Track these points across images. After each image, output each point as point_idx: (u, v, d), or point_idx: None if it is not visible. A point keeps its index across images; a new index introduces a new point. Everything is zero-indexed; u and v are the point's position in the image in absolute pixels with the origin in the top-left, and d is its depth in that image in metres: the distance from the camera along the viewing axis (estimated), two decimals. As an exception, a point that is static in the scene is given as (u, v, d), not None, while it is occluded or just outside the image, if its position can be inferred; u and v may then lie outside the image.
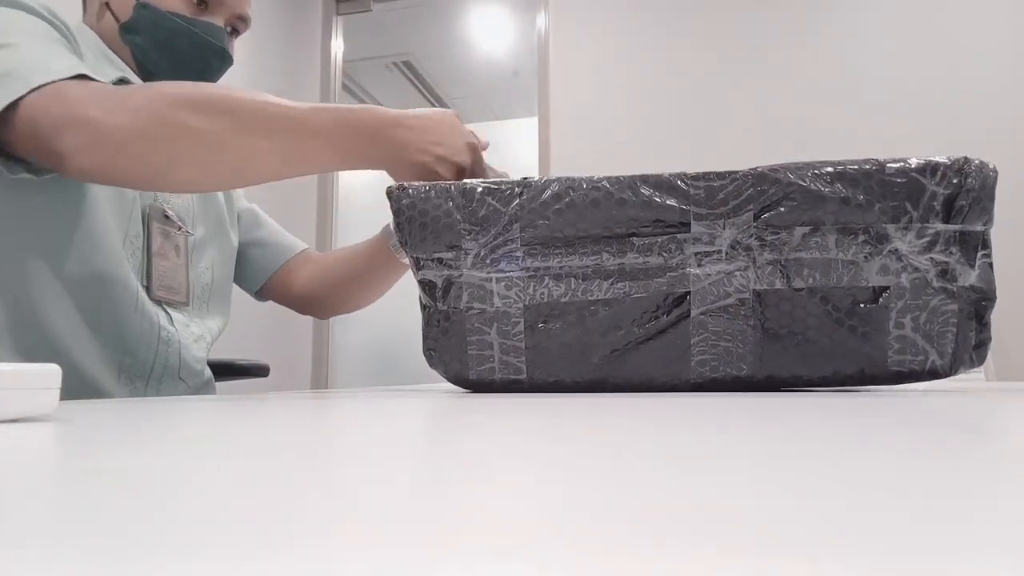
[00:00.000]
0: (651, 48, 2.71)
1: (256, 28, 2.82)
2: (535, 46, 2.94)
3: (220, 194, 0.91)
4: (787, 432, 0.23)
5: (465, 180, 0.62)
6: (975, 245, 0.57)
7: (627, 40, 2.74)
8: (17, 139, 0.60)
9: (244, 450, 0.20)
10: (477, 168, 0.70)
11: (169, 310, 0.80)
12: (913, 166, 0.56)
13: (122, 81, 0.76)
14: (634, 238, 0.57)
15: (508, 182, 0.61)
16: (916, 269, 0.55)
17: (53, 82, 0.59)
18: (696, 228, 0.57)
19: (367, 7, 3.17)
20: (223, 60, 0.83)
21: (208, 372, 0.88)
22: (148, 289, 0.77)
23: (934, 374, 0.56)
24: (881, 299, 0.55)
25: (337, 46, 3.17)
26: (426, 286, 0.62)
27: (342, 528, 0.10)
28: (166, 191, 0.64)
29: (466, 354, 0.60)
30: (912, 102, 2.44)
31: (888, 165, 0.56)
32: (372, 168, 0.67)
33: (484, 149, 0.74)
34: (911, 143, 2.42)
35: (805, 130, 2.52)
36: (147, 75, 0.81)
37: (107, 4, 0.80)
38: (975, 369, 0.59)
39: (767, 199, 0.57)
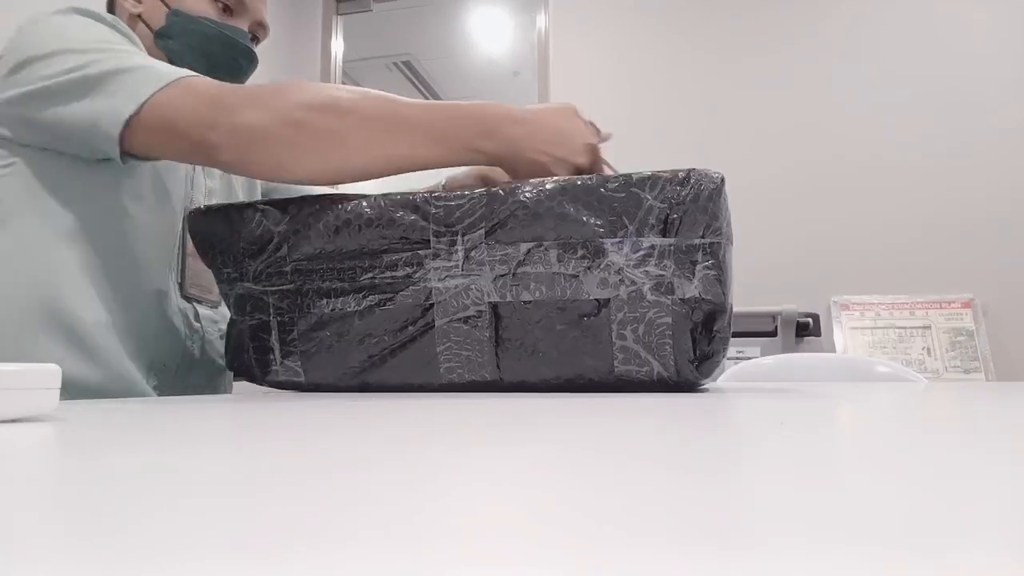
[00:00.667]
0: (651, 48, 2.71)
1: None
2: (535, 46, 2.93)
3: (236, 186, 0.93)
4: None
5: (243, 202, 0.69)
6: (694, 258, 0.57)
7: (627, 40, 2.74)
8: (143, 137, 0.64)
9: (244, 450, 0.20)
10: (595, 167, 0.70)
11: (199, 308, 0.82)
12: (634, 180, 0.59)
13: None
14: (384, 254, 0.63)
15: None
16: (632, 282, 0.57)
17: (180, 80, 0.64)
18: (436, 244, 0.61)
19: (367, 7, 3.17)
20: (251, 61, 0.88)
21: (229, 375, 0.90)
22: (181, 286, 0.80)
23: (663, 383, 0.58)
24: (602, 311, 0.58)
25: (337, 46, 3.17)
26: (224, 298, 0.70)
27: (341, 528, 0.10)
28: (288, 182, 0.67)
29: (252, 359, 0.67)
30: (913, 102, 2.44)
31: (609, 181, 0.59)
32: (490, 163, 0.69)
33: (605, 141, 0.74)
34: (912, 143, 2.42)
35: (805, 130, 2.51)
36: None
37: (139, 16, 0.84)
38: (708, 380, 0.60)
39: (496, 216, 0.60)
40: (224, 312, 0.88)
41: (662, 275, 0.57)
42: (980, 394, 0.53)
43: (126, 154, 0.66)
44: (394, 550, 0.09)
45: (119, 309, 0.72)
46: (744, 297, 2.38)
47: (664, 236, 0.57)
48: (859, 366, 1.38)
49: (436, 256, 0.61)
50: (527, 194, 0.60)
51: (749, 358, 1.69)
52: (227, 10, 0.86)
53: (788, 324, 2.21)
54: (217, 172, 0.89)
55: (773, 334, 2.23)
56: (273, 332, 0.66)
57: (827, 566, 0.08)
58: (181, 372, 0.79)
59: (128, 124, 0.63)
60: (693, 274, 0.57)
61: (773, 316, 2.24)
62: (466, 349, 0.61)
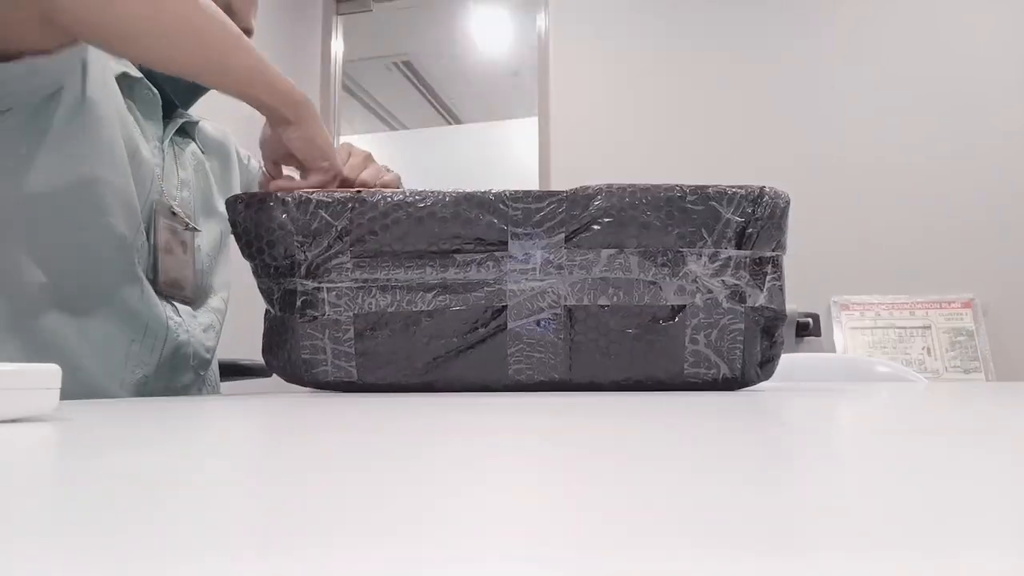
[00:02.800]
0: (651, 48, 2.71)
1: (256, 28, 2.82)
2: (535, 46, 2.93)
3: (211, 174, 0.90)
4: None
5: (302, 192, 0.66)
6: (765, 270, 0.62)
7: (627, 40, 2.74)
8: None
9: (243, 450, 0.20)
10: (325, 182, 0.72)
11: (176, 304, 0.80)
12: (711, 193, 0.61)
13: (120, 77, 0.76)
14: (457, 254, 0.62)
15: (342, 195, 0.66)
16: (709, 291, 0.60)
17: None
18: (513, 247, 0.62)
19: (367, 7, 3.17)
20: None
21: (215, 366, 0.88)
22: (154, 283, 0.77)
23: (727, 384, 0.61)
24: (678, 317, 0.60)
25: (337, 46, 3.17)
26: (264, 293, 0.67)
27: (341, 529, 0.10)
28: (85, 37, 0.63)
29: (300, 358, 0.64)
30: (915, 103, 2.44)
31: (688, 192, 0.61)
32: (264, 111, 0.71)
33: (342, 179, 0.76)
34: (913, 144, 2.42)
35: (806, 130, 2.51)
36: (147, 73, 0.81)
37: None
38: (764, 381, 0.65)
39: (577, 222, 0.61)
40: (209, 306, 0.86)
41: (736, 284, 0.61)
42: (980, 394, 0.53)
43: None
44: (425, 545, 0.09)
45: (84, 310, 0.70)
46: (744, 297, 2.38)
47: (739, 248, 0.61)
48: (859, 366, 1.38)
49: (513, 259, 0.61)
50: (609, 202, 0.61)
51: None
52: None
53: (788, 324, 2.21)
54: (189, 162, 0.86)
55: (773, 334, 2.23)
56: (327, 331, 0.63)
57: (827, 566, 0.08)
58: (163, 370, 0.77)
59: None
60: (763, 284, 0.61)
61: (773, 316, 2.23)
62: (538, 351, 0.61)
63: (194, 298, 0.83)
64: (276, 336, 0.66)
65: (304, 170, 0.73)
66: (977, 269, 2.30)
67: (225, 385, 0.96)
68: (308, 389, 0.68)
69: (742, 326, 0.60)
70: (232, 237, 0.94)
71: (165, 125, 0.84)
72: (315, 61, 3.12)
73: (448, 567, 0.08)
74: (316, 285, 0.63)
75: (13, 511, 0.11)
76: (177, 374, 0.80)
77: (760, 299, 0.61)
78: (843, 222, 2.43)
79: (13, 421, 0.29)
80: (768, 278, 0.62)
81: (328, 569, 0.08)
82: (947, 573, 0.08)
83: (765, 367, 0.63)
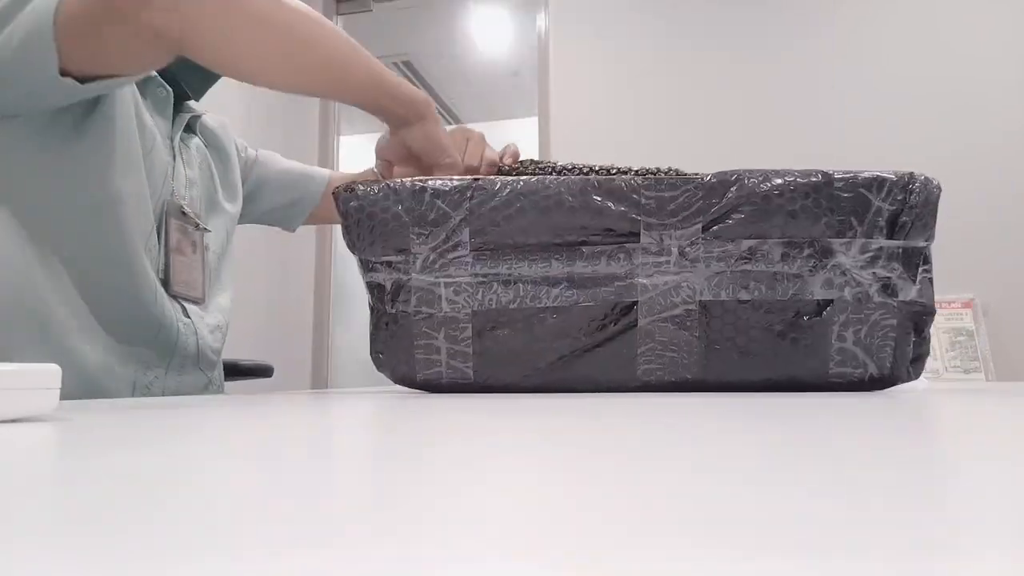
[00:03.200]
0: (651, 48, 2.71)
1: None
2: (535, 46, 2.93)
3: (214, 170, 0.90)
4: (783, 432, 0.23)
5: (416, 180, 0.61)
6: (917, 261, 0.58)
7: (627, 40, 2.74)
8: (69, 36, 0.58)
9: (243, 450, 0.20)
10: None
11: (186, 305, 0.80)
12: (860, 180, 0.58)
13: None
14: (584, 246, 0.57)
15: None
16: (859, 283, 0.56)
17: None
18: (645, 238, 0.57)
19: (367, 7, 3.17)
20: None
21: (220, 366, 0.88)
22: (166, 284, 0.77)
23: (872, 384, 0.57)
24: (824, 312, 0.56)
25: (337, 46, 3.17)
26: (374, 289, 0.61)
27: (341, 529, 0.10)
28: (194, 57, 0.64)
29: (413, 357, 0.59)
30: (915, 103, 2.44)
31: (836, 179, 0.58)
32: (392, 122, 0.73)
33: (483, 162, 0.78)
34: (913, 145, 2.41)
35: (806, 130, 2.51)
36: (161, 70, 0.80)
37: None
38: (914, 381, 0.61)
39: (716, 211, 0.57)
40: (216, 305, 0.85)
41: (888, 277, 0.56)
42: (981, 394, 0.53)
43: (68, 75, 0.60)
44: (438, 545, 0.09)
45: (95, 310, 0.69)
46: (744, 297, 2.38)
47: (891, 238, 0.56)
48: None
49: (646, 251, 0.57)
50: (752, 190, 0.57)
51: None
52: None
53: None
54: (195, 159, 0.85)
55: (773, 334, 2.23)
56: (443, 329, 0.59)
57: (827, 566, 0.08)
58: (172, 372, 0.77)
59: (58, 15, 0.57)
60: (915, 277, 0.57)
61: (773, 316, 2.23)
62: (671, 350, 0.57)
63: (203, 298, 0.83)
64: (386, 334, 0.61)
65: (423, 169, 0.74)
66: (977, 269, 2.30)
67: (226, 385, 0.96)
68: (311, 389, 0.68)
69: (894, 321, 0.56)
70: (235, 234, 0.94)
71: (174, 121, 0.83)
72: (315, 61, 3.12)
73: (448, 567, 0.08)
74: (433, 279, 0.58)
75: (13, 511, 0.11)
76: (185, 375, 0.79)
77: (912, 292, 0.57)
78: (843, 222, 2.43)
79: (13, 421, 0.29)
80: (920, 270, 0.57)
81: (328, 569, 0.08)
82: (947, 573, 0.08)
83: (915, 364, 0.58)
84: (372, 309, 0.62)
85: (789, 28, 2.59)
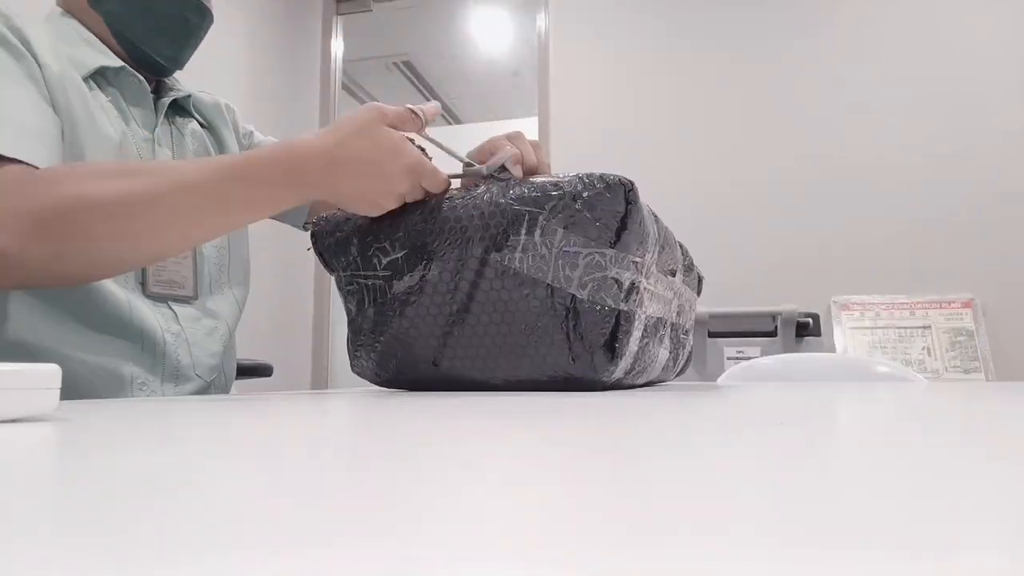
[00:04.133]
0: (651, 48, 2.71)
1: (256, 28, 2.82)
2: (535, 46, 2.93)
3: (212, 150, 0.86)
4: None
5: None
6: None
7: (627, 40, 2.74)
8: None
9: (243, 450, 0.20)
10: (430, 181, 0.62)
11: (174, 307, 0.76)
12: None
13: (99, 72, 0.72)
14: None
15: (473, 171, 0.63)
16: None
17: None
18: None
19: (367, 7, 3.17)
20: (203, 16, 0.79)
21: (230, 365, 0.84)
22: (144, 285, 0.73)
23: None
24: None
25: (337, 46, 3.17)
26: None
27: (341, 528, 0.10)
28: (80, 279, 0.61)
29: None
30: (915, 103, 2.44)
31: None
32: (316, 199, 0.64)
33: (429, 121, 0.66)
34: (913, 144, 2.42)
35: (806, 130, 2.51)
36: (127, 44, 0.77)
37: None
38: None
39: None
40: (217, 305, 0.81)
41: None
42: (981, 394, 0.53)
43: None
44: (423, 546, 0.09)
45: (72, 328, 0.67)
46: (744, 297, 2.38)
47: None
48: (859, 366, 1.38)
49: None
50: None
51: (749, 358, 1.69)
52: None
53: (788, 324, 2.21)
54: (190, 144, 0.82)
55: (773, 334, 2.23)
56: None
57: (827, 566, 0.08)
58: (168, 388, 0.74)
59: None
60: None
61: (773, 316, 2.24)
62: None
63: (195, 295, 0.78)
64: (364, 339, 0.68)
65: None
66: (977, 269, 2.30)
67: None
68: (311, 389, 0.68)
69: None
70: (249, 227, 0.90)
71: (157, 108, 0.79)
72: (315, 61, 3.12)
73: (448, 567, 0.08)
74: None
75: (13, 511, 0.11)
76: (182, 384, 0.76)
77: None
78: (843, 222, 2.43)
79: (13, 421, 0.29)
80: None
81: (328, 569, 0.08)
82: (947, 573, 0.08)
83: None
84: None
85: (789, 28, 2.59)
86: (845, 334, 2.28)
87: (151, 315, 0.73)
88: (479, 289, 0.59)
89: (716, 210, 2.53)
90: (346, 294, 0.67)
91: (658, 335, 0.67)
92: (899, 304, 2.29)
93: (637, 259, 0.59)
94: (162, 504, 0.12)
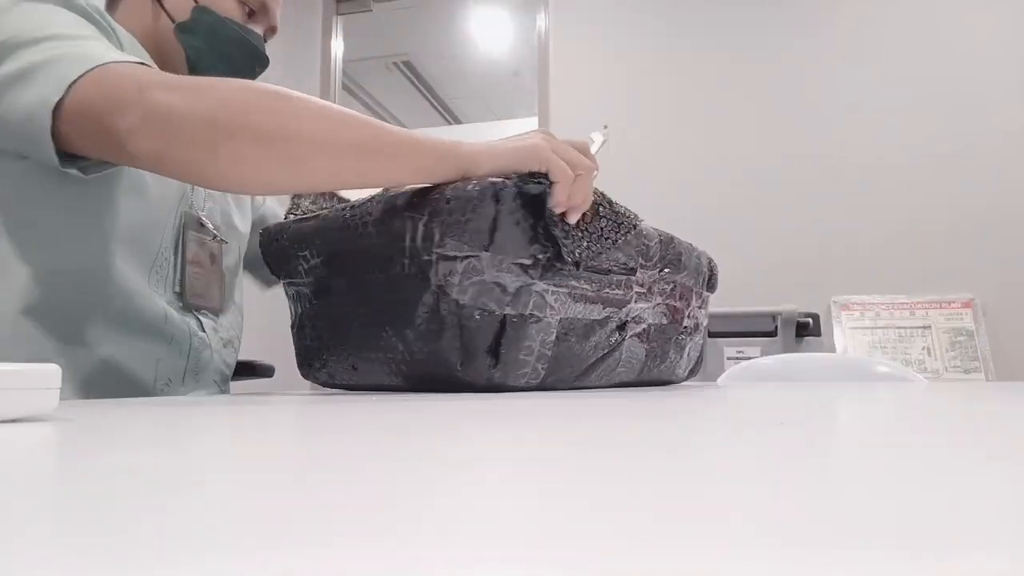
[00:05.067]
0: (651, 48, 2.71)
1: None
2: (535, 46, 2.93)
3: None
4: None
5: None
6: None
7: (627, 40, 2.74)
8: (70, 128, 0.57)
9: (243, 450, 0.20)
10: (559, 147, 0.60)
11: (201, 317, 0.80)
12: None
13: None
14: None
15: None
16: None
17: (106, 64, 0.56)
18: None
19: (367, 7, 3.17)
20: (264, 66, 0.89)
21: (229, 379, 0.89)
22: (182, 296, 0.76)
23: None
24: None
25: (337, 46, 3.17)
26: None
27: (341, 529, 0.10)
28: (206, 187, 0.59)
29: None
30: (915, 103, 2.44)
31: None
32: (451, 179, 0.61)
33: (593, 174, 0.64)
34: (913, 144, 2.42)
35: (806, 130, 2.51)
36: (197, 75, 0.81)
37: (161, 4, 0.80)
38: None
39: None
40: (231, 319, 0.86)
41: None
42: (981, 394, 0.53)
43: (67, 155, 0.59)
44: (423, 546, 0.09)
45: (113, 329, 0.70)
46: (744, 297, 2.38)
47: None
48: (859, 366, 1.38)
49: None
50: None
51: (749, 358, 1.69)
52: (251, 14, 0.86)
53: (788, 324, 2.21)
54: None
55: (773, 334, 2.23)
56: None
57: (827, 566, 0.08)
58: (187, 386, 0.77)
59: (57, 114, 0.55)
60: None
61: (773, 316, 2.24)
62: None
63: (220, 308, 0.83)
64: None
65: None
66: (977, 269, 2.30)
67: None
68: (311, 389, 0.68)
69: None
70: (247, 254, 0.93)
71: None
72: (315, 61, 3.12)
73: (448, 567, 0.08)
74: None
75: (13, 511, 0.11)
76: (200, 389, 0.80)
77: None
78: (843, 222, 2.43)
79: (13, 421, 0.29)
80: None
81: (328, 569, 0.08)
82: (947, 573, 0.08)
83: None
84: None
85: (789, 28, 2.59)
86: (845, 334, 2.28)
87: (181, 322, 0.76)
88: (373, 295, 0.61)
89: (716, 210, 2.53)
90: (289, 299, 0.72)
91: (601, 335, 0.66)
92: (899, 304, 2.29)
93: (525, 261, 0.58)
94: (162, 504, 0.12)
